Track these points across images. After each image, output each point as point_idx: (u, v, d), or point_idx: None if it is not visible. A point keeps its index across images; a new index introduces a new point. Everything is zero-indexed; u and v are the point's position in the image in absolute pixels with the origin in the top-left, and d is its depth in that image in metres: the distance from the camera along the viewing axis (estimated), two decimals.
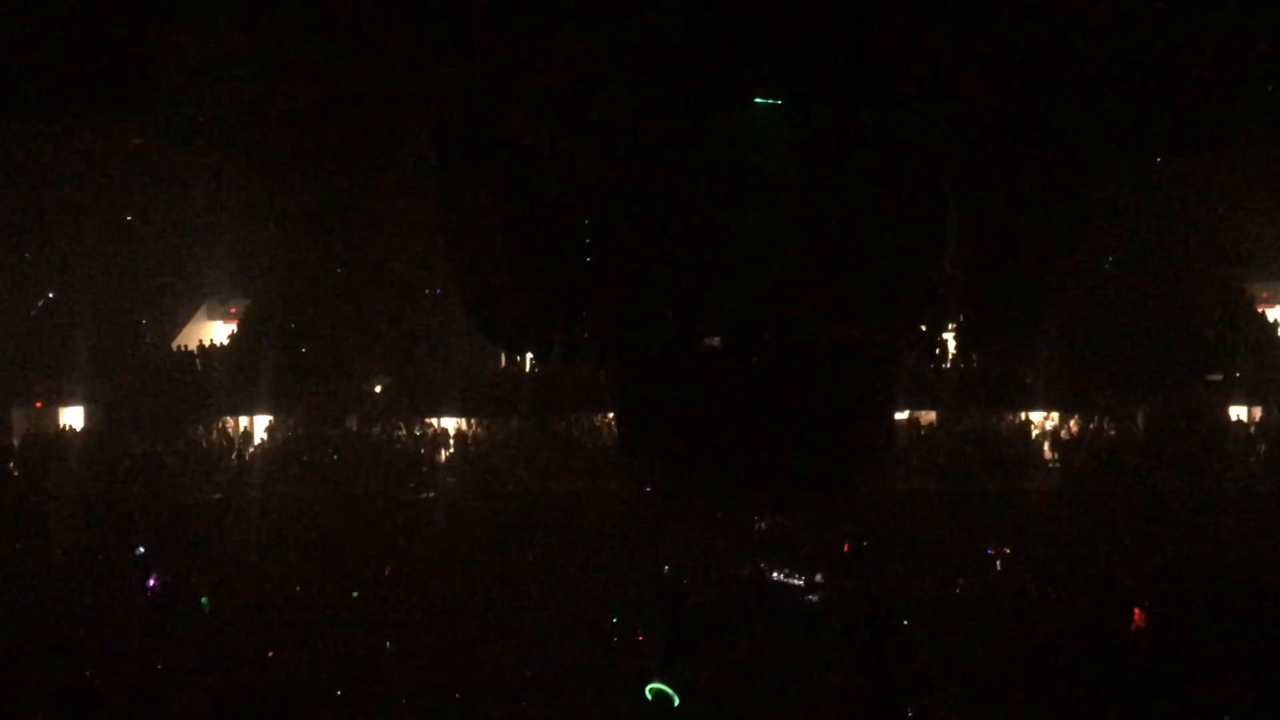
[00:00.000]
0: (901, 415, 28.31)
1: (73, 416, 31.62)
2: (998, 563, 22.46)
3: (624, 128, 12.44)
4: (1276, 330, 30.90)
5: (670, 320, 13.52)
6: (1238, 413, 28.79)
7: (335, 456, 29.08)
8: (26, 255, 33.37)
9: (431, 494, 27.92)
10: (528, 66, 12.02)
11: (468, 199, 13.22)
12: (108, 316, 32.47)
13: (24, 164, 29.83)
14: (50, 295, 33.35)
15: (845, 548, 22.34)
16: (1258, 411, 28.70)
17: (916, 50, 12.00)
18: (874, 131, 12.34)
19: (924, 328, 15.83)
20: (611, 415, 26.35)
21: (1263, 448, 27.33)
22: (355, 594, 21.07)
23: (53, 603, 20.59)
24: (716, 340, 14.24)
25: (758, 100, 12.08)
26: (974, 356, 27.63)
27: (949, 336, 18.80)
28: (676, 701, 5.37)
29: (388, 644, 18.29)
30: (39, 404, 31.57)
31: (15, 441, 30.64)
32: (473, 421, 30.66)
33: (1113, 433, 28.49)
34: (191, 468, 29.13)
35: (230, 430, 31.32)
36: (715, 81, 11.90)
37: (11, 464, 29.43)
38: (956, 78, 12.33)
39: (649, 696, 5.42)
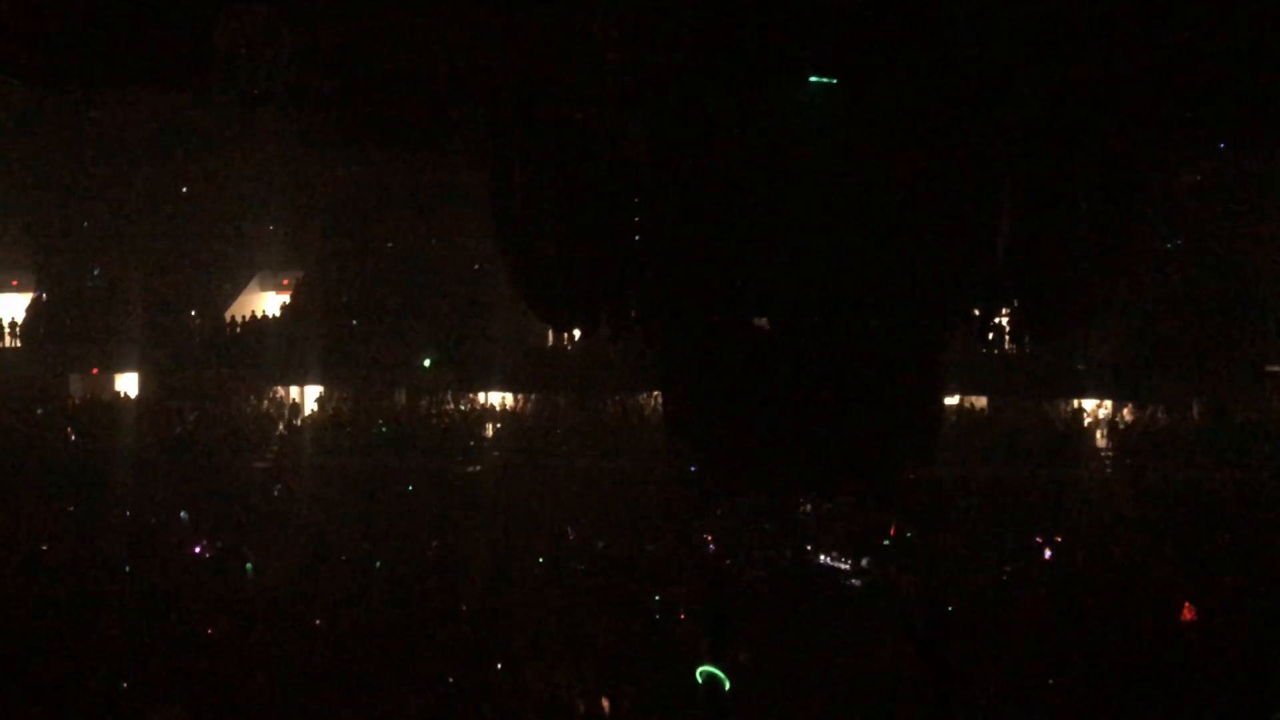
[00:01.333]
0: (952, 401, 28.04)
1: (127, 384, 32.15)
2: (1046, 551, 22.20)
3: (675, 106, 12.34)
4: None
5: (718, 300, 13.43)
6: None
7: (383, 429, 29.31)
8: (85, 224, 33.86)
9: (477, 468, 28.06)
10: (580, 43, 11.96)
11: (518, 175, 13.19)
12: (162, 286, 32.90)
13: (81, 134, 30.27)
14: (102, 268, 33.77)
15: (891, 532, 22.20)
16: None
17: (974, 32, 11.79)
18: (930, 114, 12.14)
19: (976, 312, 15.62)
20: (658, 394, 26.31)
21: None
22: (381, 565, 21.21)
23: (104, 564, 20.97)
24: (764, 321, 14.14)
25: (812, 79, 11.93)
26: (1026, 343, 27.24)
27: (1002, 322, 18.57)
28: (727, 685, 5.33)
29: (432, 614, 18.45)
30: (95, 371, 32.12)
31: (73, 406, 31.25)
32: (519, 397, 30.77)
33: (1166, 422, 28.05)
34: (241, 436, 29.51)
35: (280, 400, 31.67)
36: (769, 60, 11.77)
37: (69, 429, 29.99)
38: (1015, 61, 12.11)
39: (699, 679, 5.39)
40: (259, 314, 33.50)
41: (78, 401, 31.57)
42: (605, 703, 14.96)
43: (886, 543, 22.13)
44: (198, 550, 22.27)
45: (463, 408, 30.40)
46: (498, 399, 30.91)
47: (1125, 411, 28.74)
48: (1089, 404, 29.13)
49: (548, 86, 12.59)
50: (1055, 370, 28.20)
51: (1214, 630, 17.83)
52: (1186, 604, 18.52)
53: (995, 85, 12.19)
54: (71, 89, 23.34)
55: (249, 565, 21.34)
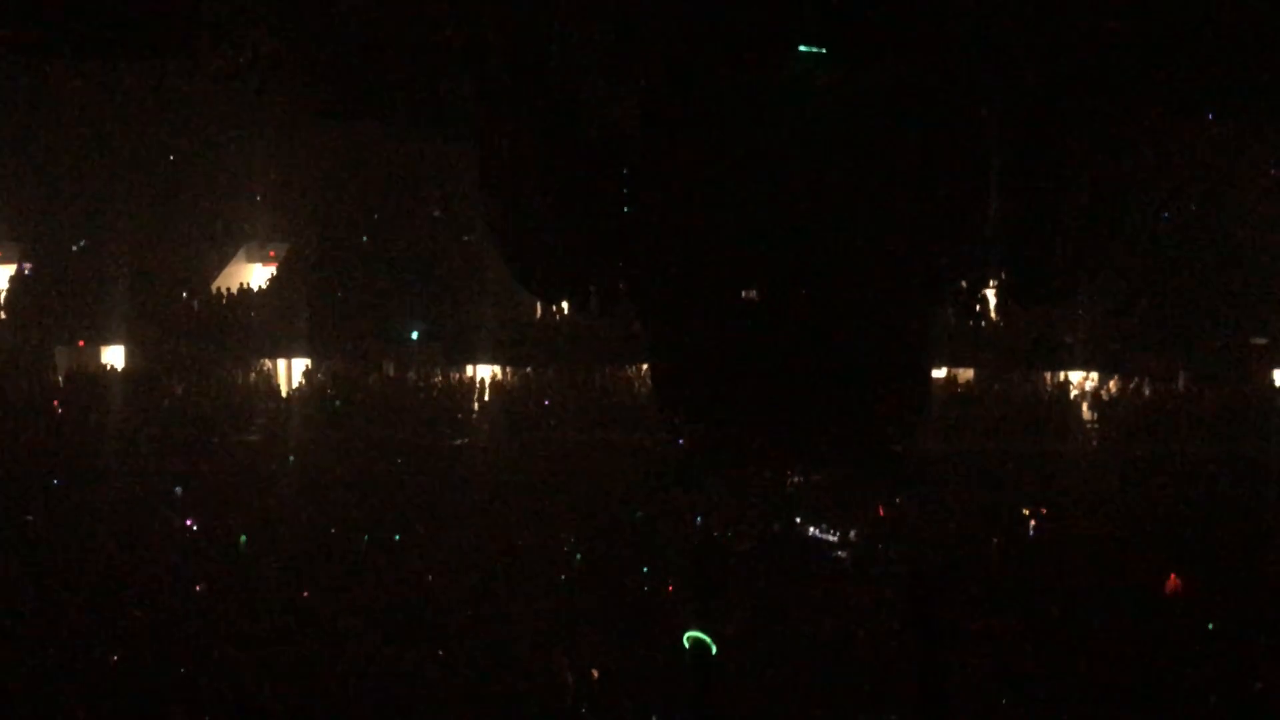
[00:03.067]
0: (939, 374, 28.11)
1: (114, 356, 32.00)
2: (1032, 523, 22.34)
3: (666, 76, 12.30)
4: None
5: (707, 273, 13.42)
6: None
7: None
8: (70, 195, 33.60)
9: (464, 440, 28.06)
10: (570, 12, 11.89)
11: (507, 146, 13.13)
12: (148, 258, 32.71)
13: (65, 104, 30.01)
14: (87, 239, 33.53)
15: (880, 511, 22.26)
16: None
17: (961, 5, 11.76)
18: (918, 86, 12.13)
19: (964, 284, 15.65)
20: (646, 367, 26.33)
21: None
22: (368, 537, 21.22)
23: (94, 538, 20.94)
24: (754, 293, 14.13)
25: (802, 50, 11.89)
26: (1013, 316, 27.31)
27: (989, 295, 18.60)
28: (714, 649, 5.35)
29: (421, 586, 18.49)
30: (81, 343, 31.95)
31: (59, 379, 31.09)
32: (507, 370, 30.75)
33: (1151, 395, 28.19)
34: (229, 409, 29.43)
35: (267, 373, 31.59)
36: (760, 30, 11.72)
37: (56, 401, 29.86)
38: (1001, 33, 12.09)
39: (686, 644, 5.41)
40: (246, 286, 33.37)
41: (64, 374, 31.39)
42: (595, 673, 15.02)
43: (875, 515, 22.22)
44: (189, 522, 22.24)
45: (451, 379, 30.36)
46: (486, 371, 30.87)
47: (1111, 384, 28.87)
48: (1075, 377, 29.25)
49: (537, 57, 12.53)
50: (1042, 343, 28.30)
51: (1198, 600, 18.01)
52: (1173, 575, 18.70)
53: (980, 58, 12.17)
54: (57, 59, 23.13)
55: (243, 538, 21.33)
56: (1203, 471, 24.92)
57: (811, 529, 22.21)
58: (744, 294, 14.22)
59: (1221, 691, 14.37)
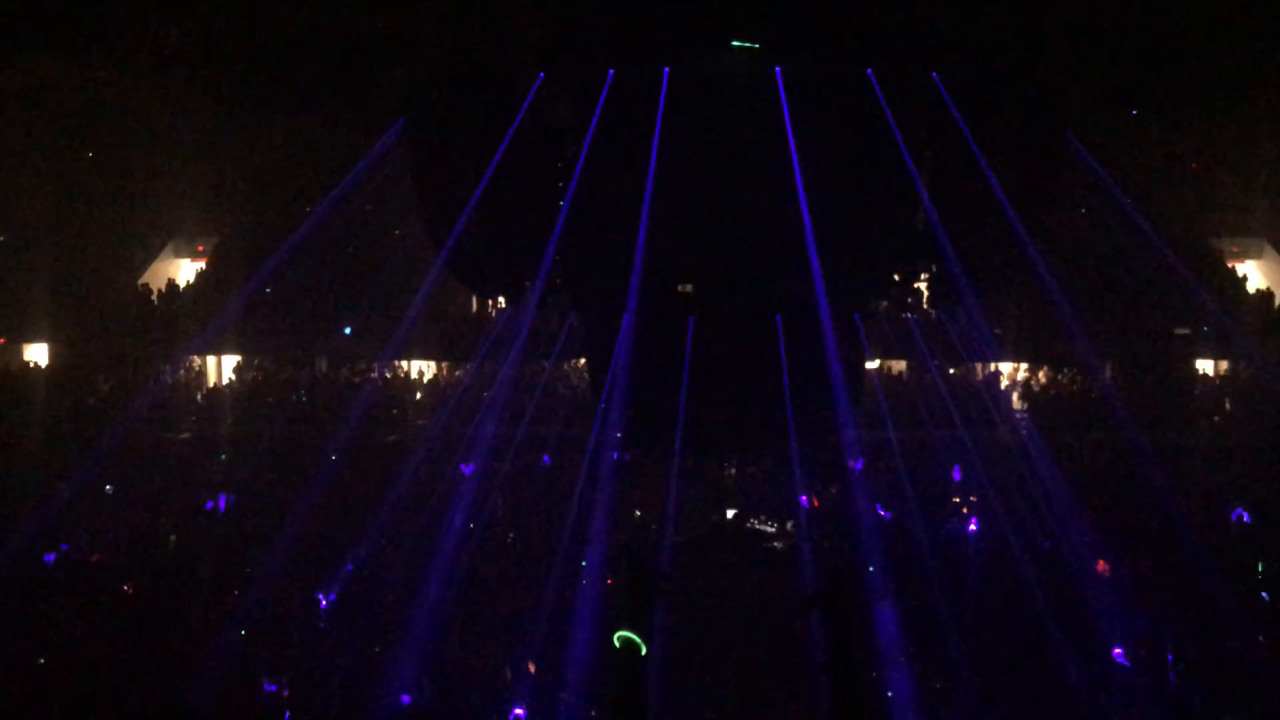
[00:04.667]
0: (872, 365, 28.40)
1: (37, 354, 31.27)
2: (966, 512, 22.66)
3: (600, 73, 12.30)
4: (1245, 284, 31.15)
5: (641, 268, 13.46)
6: (1204, 366, 29.09)
7: (304, 398, 28.90)
8: None
9: (395, 438, 27.78)
10: (505, 9, 11.84)
11: (442, 141, 13.06)
12: (71, 252, 31.96)
13: None
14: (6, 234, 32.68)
15: (815, 503, 22.45)
16: (1224, 365, 29.01)
17: (891, 5, 11.91)
18: (848, 86, 12.26)
19: (896, 278, 15.84)
20: (583, 361, 26.31)
21: (1228, 403, 27.64)
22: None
23: (21, 540, 20.48)
24: (690, 287, 14.21)
25: (734, 44, 11.96)
26: (945, 308, 27.67)
27: (921, 288, 18.82)
28: (644, 650, 5.32)
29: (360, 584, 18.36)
30: (1, 340, 31.17)
31: None
32: (444, 365, 30.52)
33: (1079, 385, 28.72)
34: (157, 407, 28.87)
35: (197, 370, 31.07)
36: (693, 26, 11.77)
37: None
38: (931, 34, 12.25)
39: (617, 644, 5.37)
40: (174, 282, 32.77)
41: None
42: (531, 666, 15.03)
43: (808, 508, 22.41)
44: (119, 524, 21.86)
45: (386, 375, 30.07)
46: (422, 367, 30.64)
47: (1041, 374, 29.37)
48: (1005, 368, 29.71)
49: (473, 51, 12.47)
50: (972, 334, 28.68)
51: (1123, 586, 18.44)
52: (1101, 561, 19.10)
53: (911, 58, 12.33)
54: None
55: (173, 538, 21.02)
56: (1131, 458, 25.40)
57: (753, 521, 22.38)
58: (680, 288, 14.29)
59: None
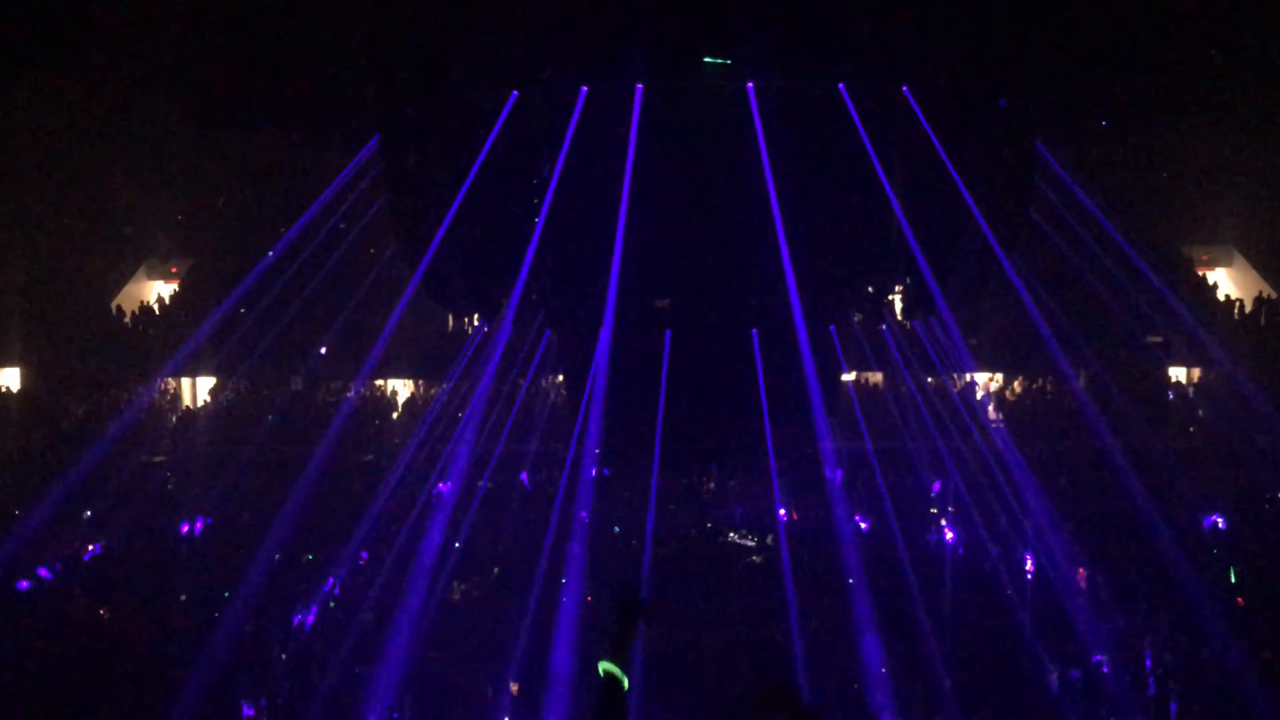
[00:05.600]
0: (848, 377, 28.50)
1: (9, 378, 30.99)
2: (942, 522, 22.74)
3: (574, 90, 12.34)
4: (1215, 292, 31.45)
5: (618, 285, 13.48)
6: (1177, 374, 29.33)
7: (280, 419, 28.75)
8: None
9: (371, 457, 27.67)
10: (478, 27, 11.86)
11: (416, 158, 13.05)
12: (44, 275, 31.71)
13: None
14: None
15: (794, 515, 22.48)
16: (1196, 372, 29.25)
17: (862, 21, 11.99)
18: (821, 100, 12.34)
19: (870, 290, 15.91)
20: (560, 376, 26.27)
21: (1201, 410, 27.87)
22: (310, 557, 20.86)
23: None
24: (666, 301, 14.23)
25: (707, 60, 12.02)
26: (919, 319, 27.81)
27: (895, 300, 18.91)
28: (626, 685, 5.28)
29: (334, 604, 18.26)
30: None
31: None
32: (421, 383, 30.43)
33: (1053, 394, 28.91)
34: (132, 430, 28.63)
35: (172, 392, 30.86)
36: (666, 43, 11.82)
37: None
38: (901, 48, 12.34)
39: (601, 674, 5.34)
40: (147, 303, 32.57)
41: None
42: (515, 687, 14.98)
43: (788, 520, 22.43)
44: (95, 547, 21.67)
45: (363, 394, 29.95)
46: (399, 385, 30.54)
47: (1016, 384, 29.54)
48: (981, 377, 29.87)
49: (446, 70, 12.48)
50: (947, 345, 28.81)
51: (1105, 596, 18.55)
52: (1081, 570, 19.20)
53: (884, 72, 12.41)
54: None
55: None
56: (1104, 465, 25.53)
57: (732, 535, 22.38)
58: (656, 303, 14.31)
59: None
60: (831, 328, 15.25)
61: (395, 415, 29.55)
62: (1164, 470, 24.22)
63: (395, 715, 14.65)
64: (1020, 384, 29.51)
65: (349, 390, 29.82)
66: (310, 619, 18.08)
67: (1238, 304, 30.84)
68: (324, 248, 32.38)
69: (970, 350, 28.91)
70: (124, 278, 33.54)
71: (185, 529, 23.16)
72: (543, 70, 12.33)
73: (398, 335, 29.47)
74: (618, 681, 5.17)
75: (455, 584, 19.38)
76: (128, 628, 17.43)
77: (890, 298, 17.45)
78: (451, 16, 12.13)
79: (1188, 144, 30.34)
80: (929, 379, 29.34)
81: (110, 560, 21.33)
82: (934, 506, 23.33)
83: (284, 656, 16.35)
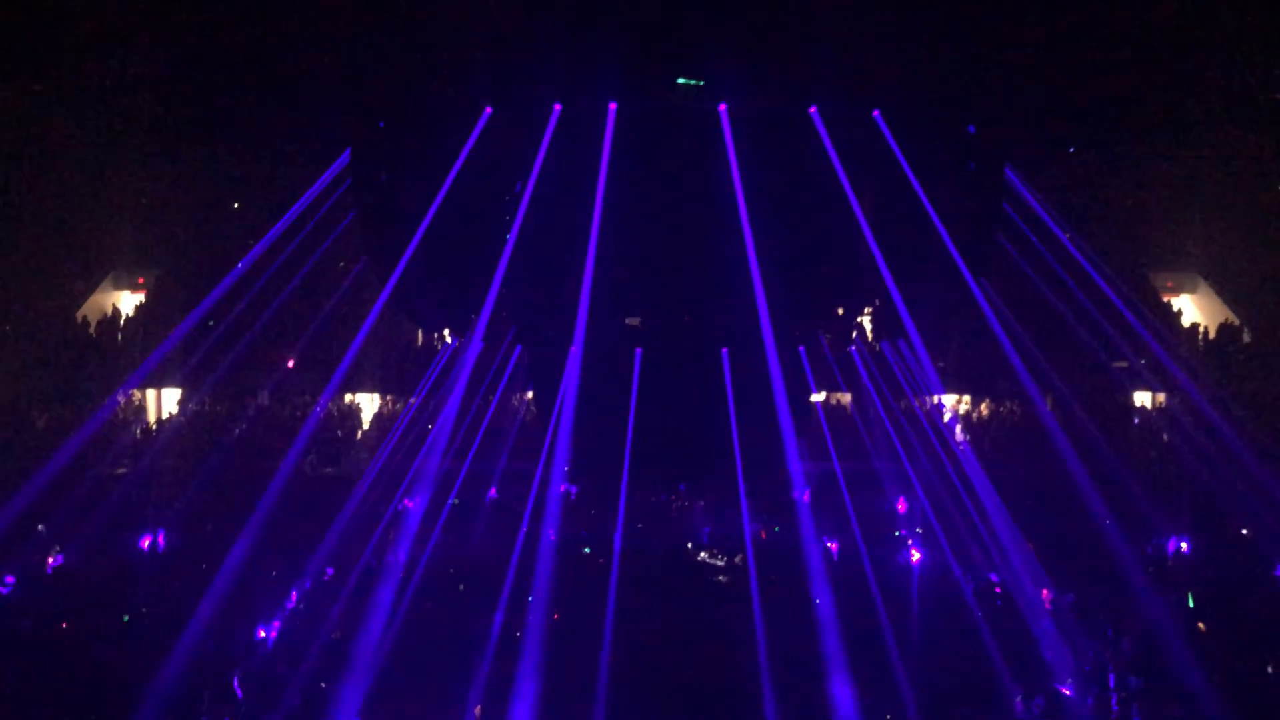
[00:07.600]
0: (817, 398, 28.60)
1: None
2: (910, 543, 22.80)
3: (547, 108, 12.36)
4: (1180, 318, 31.79)
5: (588, 301, 13.49)
6: (1142, 399, 29.61)
7: (245, 431, 28.55)
8: None
9: (333, 470, 27.51)
10: (452, 42, 11.87)
11: (387, 174, 13.03)
12: (6, 283, 31.34)
13: None
14: None
15: (763, 535, 22.48)
16: (1161, 397, 29.54)
17: (834, 45, 12.09)
18: (792, 123, 12.42)
19: (840, 311, 15.99)
20: (530, 393, 26.25)
21: (1165, 434, 28.14)
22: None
23: None
24: (636, 320, 14.25)
25: (680, 81, 12.07)
26: (888, 341, 27.97)
27: (864, 321, 19.06)
28: None
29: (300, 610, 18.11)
30: None
31: None
32: (388, 398, 30.29)
33: (1020, 417, 29.12)
34: (96, 442, 28.32)
35: (137, 404, 30.56)
36: (639, 63, 11.87)
37: None
38: (872, 73, 12.44)
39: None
40: (113, 314, 32.27)
41: None
42: (478, 710, 14.91)
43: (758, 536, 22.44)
44: (56, 560, 21.39)
45: (332, 408, 29.78)
46: (366, 399, 30.38)
47: (982, 406, 29.73)
48: (949, 399, 30.04)
49: (416, 87, 12.48)
50: (916, 367, 28.97)
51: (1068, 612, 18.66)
52: (1045, 591, 19.31)
53: (854, 95, 12.51)
54: None
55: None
56: (1070, 487, 25.70)
57: (703, 555, 22.36)
58: (627, 321, 14.32)
59: None
60: (801, 348, 15.30)
61: (360, 433, 29.37)
62: (1128, 494, 24.42)
63: None
64: (987, 406, 29.69)
65: (315, 404, 29.64)
66: (273, 634, 17.89)
67: (1202, 330, 31.19)
68: (292, 261, 32.26)
69: (938, 372, 29.11)
70: (90, 288, 33.23)
71: (147, 542, 22.88)
72: (516, 87, 12.34)
73: (366, 350, 29.38)
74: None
75: (420, 601, 19.21)
76: (87, 642, 17.20)
77: (859, 319, 17.55)
78: (426, 32, 12.14)
79: (1154, 171, 30.72)
80: (897, 400, 29.51)
81: (70, 574, 21.02)
82: (901, 528, 23.39)
83: (246, 672, 16.15)
